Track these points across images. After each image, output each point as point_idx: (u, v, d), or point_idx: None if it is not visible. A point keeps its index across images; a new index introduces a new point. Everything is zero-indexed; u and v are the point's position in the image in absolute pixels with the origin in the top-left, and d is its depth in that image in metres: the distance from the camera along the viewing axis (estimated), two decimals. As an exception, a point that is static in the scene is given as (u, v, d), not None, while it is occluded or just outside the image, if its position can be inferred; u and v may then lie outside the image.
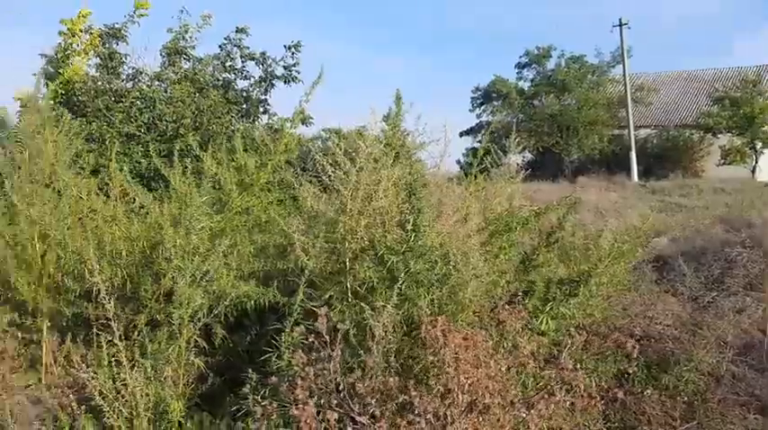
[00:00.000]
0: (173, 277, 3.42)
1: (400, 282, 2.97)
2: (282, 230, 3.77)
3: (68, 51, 10.50)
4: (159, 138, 9.48)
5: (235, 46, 10.70)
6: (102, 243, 3.95)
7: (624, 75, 30.04)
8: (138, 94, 10.08)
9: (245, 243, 3.90)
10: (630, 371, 3.88)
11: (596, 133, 29.36)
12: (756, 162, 27.18)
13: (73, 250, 3.97)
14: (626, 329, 5.00)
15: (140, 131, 9.47)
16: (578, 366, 2.92)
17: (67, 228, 4.00)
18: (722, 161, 27.03)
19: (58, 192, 4.29)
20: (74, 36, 10.58)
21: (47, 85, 10.53)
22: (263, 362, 3.15)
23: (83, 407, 3.26)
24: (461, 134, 31.98)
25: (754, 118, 26.07)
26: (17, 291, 4.16)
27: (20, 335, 4.33)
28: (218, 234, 3.84)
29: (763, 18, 67.85)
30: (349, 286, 3.42)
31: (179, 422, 3.19)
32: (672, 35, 65.09)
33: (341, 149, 3.56)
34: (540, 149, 29.99)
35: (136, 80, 10.56)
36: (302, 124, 11.14)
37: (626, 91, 29.53)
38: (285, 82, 10.74)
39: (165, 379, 3.17)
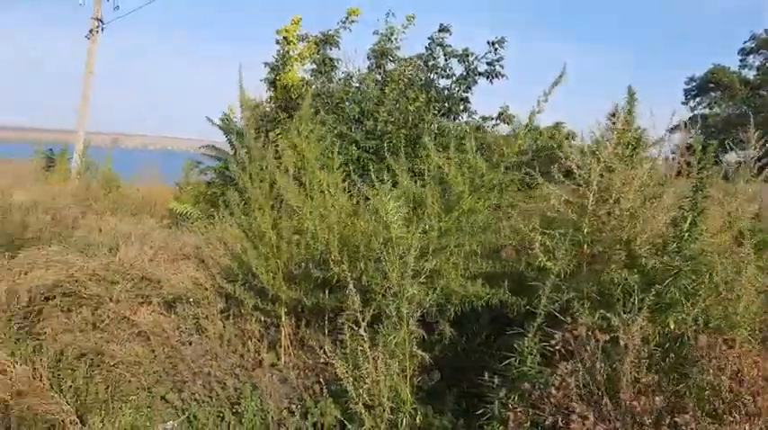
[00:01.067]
0: (401, 274, 3.51)
1: (661, 287, 2.73)
2: (514, 230, 3.71)
3: (286, 58, 11.49)
4: (368, 137, 9.95)
5: (438, 45, 10.87)
6: (343, 236, 4.20)
7: None
8: (347, 95, 10.70)
9: (471, 242, 3.89)
10: None
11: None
12: None
13: (321, 240, 4.27)
14: None
15: (350, 131, 10.03)
16: None
17: (317, 220, 4.30)
18: None
19: (302, 184, 4.63)
20: (289, 44, 11.54)
21: (270, 89, 11.66)
22: (494, 364, 3.11)
23: (324, 390, 3.49)
24: (671, 130, 29.43)
25: None
26: (258, 279, 4.58)
27: (262, 318, 4.78)
28: (445, 233, 3.88)
29: None
30: (587, 290, 3.25)
31: (409, 413, 3.27)
32: None
33: (580, 149, 3.39)
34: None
35: (345, 83, 11.21)
36: (504, 123, 11.09)
37: None
38: (488, 78, 10.68)
39: (397, 370, 3.26)
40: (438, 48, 10.86)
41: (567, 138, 14.38)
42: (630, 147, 3.78)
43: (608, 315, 2.86)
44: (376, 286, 3.89)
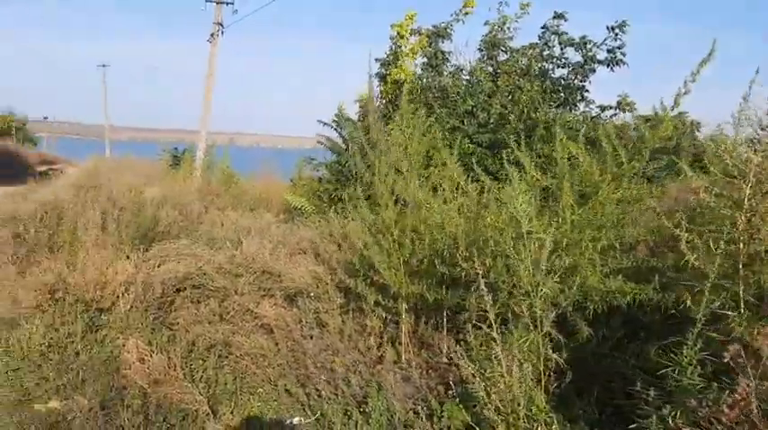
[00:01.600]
0: (532, 271, 3.31)
1: None
2: (659, 224, 3.40)
3: (397, 53, 11.44)
4: (480, 130, 9.71)
5: (553, 33, 10.42)
6: (469, 231, 4.07)
7: None
8: (459, 89, 10.49)
9: (608, 236, 3.62)
10: None
11: None
12: None
13: (448, 235, 4.16)
14: None
15: (462, 124, 9.83)
16: None
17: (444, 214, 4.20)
18: None
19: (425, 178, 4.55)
20: (402, 38, 11.48)
21: (381, 84, 11.68)
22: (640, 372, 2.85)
23: (450, 392, 3.38)
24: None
25: None
26: (380, 275, 4.53)
27: (383, 314, 4.74)
28: (578, 227, 3.63)
29: None
30: (741, 295, 2.91)
31: (545, 421, 3.08)
32: None
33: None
34: None
35: (455, 76, 11.00)
36: (623, 112, 10.46)
37: None
38: (608, 65, 10.11)
39: (531, 374, 3.07)
40: (553, 36, 10.43)
41: (692, 128, 13.32)
42: None
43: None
44: (503, 284, 3.71)
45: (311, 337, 4.80)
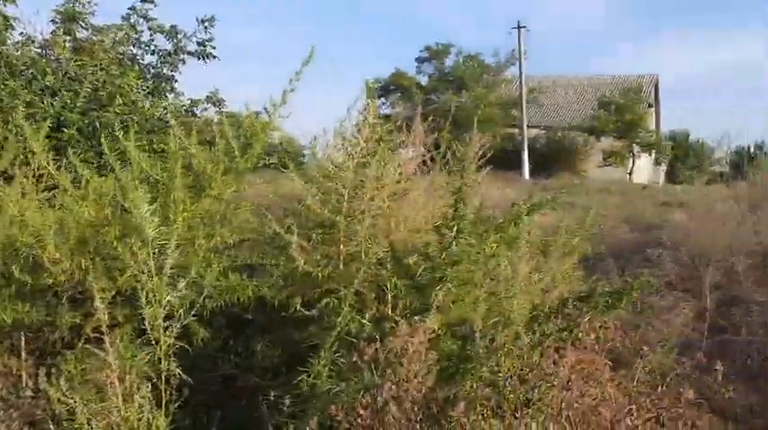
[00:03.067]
0: (145, 272, 2.91)
1: (438, 290, 2.71)
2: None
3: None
4: (65, 111, 8.49)
5: (141, 17, 9.90)
6: (66, 227, 3.30)
7: (520, 76, 31.33)
8: (29, 61, 9.00)
9: (221, 233, 3.45)
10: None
11: (491, 131, 30.41)
12: (633, 165, 29.48)
13: (31, 233, 3.26)
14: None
15: (42, 102, 8.43)
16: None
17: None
18: (603, 163, 29.03)
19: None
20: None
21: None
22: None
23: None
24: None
25: (635, 124, 28.33)
26: None
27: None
28: (191, 223, 3.36)
29: (646, 29, 74.42)
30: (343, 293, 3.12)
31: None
32: (562, 41, 69.08)
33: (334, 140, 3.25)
34: (437, 145, 30.52)
35: (25, 45, 9.43)
36: (214, 106, 10.64)
37: (521, 92, 30.83)
38: (199, 58, 10.19)
39: (149, 395, 2.67)
40: (141, 20, 9.89)
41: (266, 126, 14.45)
42: (379, 141, 3.79)
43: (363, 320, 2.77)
44: (104, 292, 3.20)
45: None
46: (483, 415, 2.33)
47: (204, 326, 3.68)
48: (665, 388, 3.40)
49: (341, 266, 3.43)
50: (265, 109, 3.78)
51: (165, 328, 2.88)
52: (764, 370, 5.32)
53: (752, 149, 33.56)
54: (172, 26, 9.90)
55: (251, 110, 4.07)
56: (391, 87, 33.89)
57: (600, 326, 3.43)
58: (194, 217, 3.45)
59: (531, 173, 28.52)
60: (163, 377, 2.87)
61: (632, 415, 2.68)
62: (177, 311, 2.94)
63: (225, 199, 3.62)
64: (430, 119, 5.52)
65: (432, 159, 5.10)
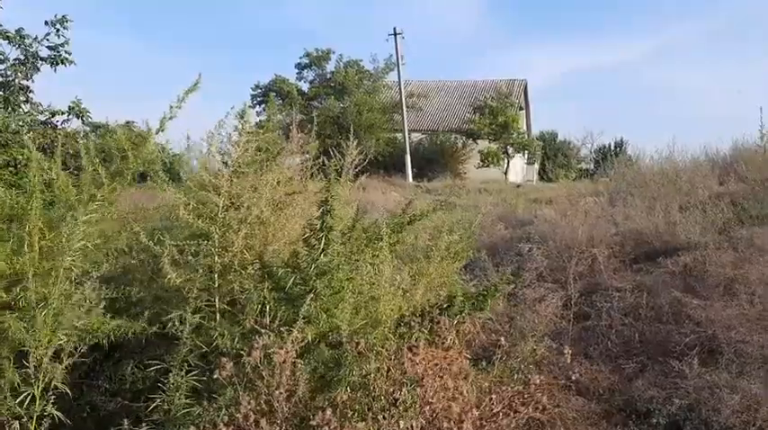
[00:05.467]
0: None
1: (308, 301, 2.65)
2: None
3: None
4: None
5: (-22, 21, 9.11)
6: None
7: (399, 81, 31.99)
8: None
9: (84, 263, 3.16)
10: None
11: (374, 136, 30.80)
12: (508, 165, 31.01)
13: None
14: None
15: None
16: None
17: None
18: (481, 164, 30.29)
19: None
20: None
21: None
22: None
23: None
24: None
25: (508, 125, 29.81)
26: None
27: None
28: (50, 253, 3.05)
29: (514, 35, 78.51)
30: (218, 304, 2.99)
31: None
32: (438, 48, 71.36)
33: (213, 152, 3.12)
34: (321, 151, 30.46)
35: None
36: (77, 118, 9.96)
37: (401, 97, 31.48)
38: (53, 65, 9.51)
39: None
40: (-21, 25, 9.10)
41: (143, 138, 13.77)
42: (263, 151, 3.71)
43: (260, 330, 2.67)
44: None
45: None
46: (349, 418, 2.31)
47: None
48: (526, 375, 3.55)
49: (215, 278, 3.31)
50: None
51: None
52: (623, 351, 5.72)
53: (613, 146, 36.47)
54: (17, 30, 9.16)
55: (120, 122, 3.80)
56: (273, 93, 33.44)
57: (457, 322, 3.53)
58: (53, 246, 3.16)
59: (415, 175, 29.26)
60: (35, 418, 2.62)
61: (479, 408, 2.78)
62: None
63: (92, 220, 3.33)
64: (314, 125, 5.48)
65: (320, 167, 5.07)
